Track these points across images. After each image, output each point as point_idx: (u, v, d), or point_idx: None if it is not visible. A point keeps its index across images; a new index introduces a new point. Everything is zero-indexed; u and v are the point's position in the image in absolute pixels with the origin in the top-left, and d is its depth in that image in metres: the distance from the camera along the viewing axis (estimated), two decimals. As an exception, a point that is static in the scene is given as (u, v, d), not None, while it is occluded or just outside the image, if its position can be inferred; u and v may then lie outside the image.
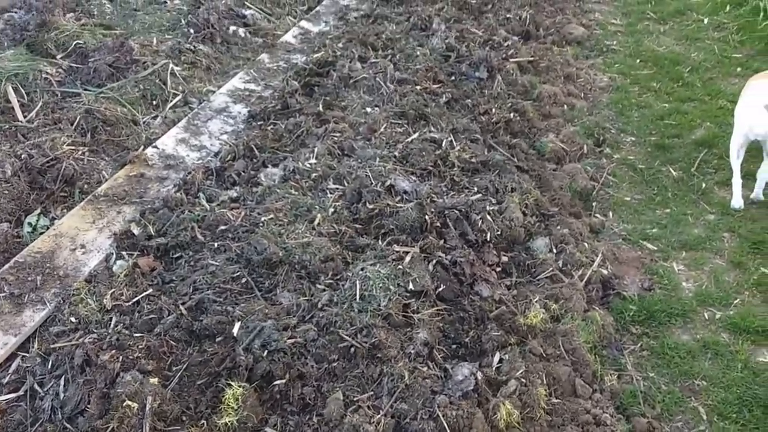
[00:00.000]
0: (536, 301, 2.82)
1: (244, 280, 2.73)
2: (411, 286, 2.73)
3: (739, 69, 4.74)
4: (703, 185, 3.69)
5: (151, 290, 2.75)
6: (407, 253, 2.91)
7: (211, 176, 3.51)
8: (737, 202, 3.50)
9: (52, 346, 2.51)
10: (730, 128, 4.04)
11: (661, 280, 3.07)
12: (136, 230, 3.12)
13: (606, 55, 5.06)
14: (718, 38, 5.16)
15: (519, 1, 5.62)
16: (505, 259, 3.15)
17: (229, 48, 4.77)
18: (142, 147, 3.70)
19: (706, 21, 5.41)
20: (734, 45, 5.05)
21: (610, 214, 3.56)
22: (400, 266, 2.80)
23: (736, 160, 3.54)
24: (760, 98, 3.39)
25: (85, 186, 3.41)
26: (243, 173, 3.51)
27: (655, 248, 3.28)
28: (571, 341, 2.63)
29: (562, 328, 2.69)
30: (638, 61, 4.95)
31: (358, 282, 2.69)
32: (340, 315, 2.54)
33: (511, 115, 4.18)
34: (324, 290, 2.70)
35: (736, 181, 3.52)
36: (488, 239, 3.17)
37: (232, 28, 4.89)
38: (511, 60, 4.76)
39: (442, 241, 3.07)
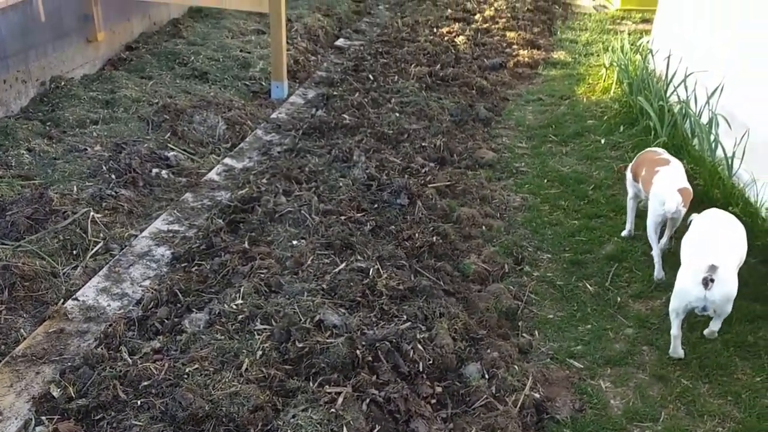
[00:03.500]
0: (473, 434, 2.81)
1: (169, 441, 2.61)
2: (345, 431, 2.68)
3: (638, 184, 5.13)
4: (618, 299, 3.88)
5: (69, 460, 2.59)
6: (339, 393, 2.87)
7: (133, 326, 3.41)
8: (659, 274, 4.04)
9: None
10: (636, 243, 4.35)
11: (591, 399, 3.13)
12: (55, 392, 2.98)
13: (516, 177, 5.37)
14: (615, 156, 5.59)
15: (432, 129, 5.95)
16: (439, 389, 3.16)
17: (152, 190, 4.79)
18: (61, 300, 3.59)
19: (603, 141, 5.86)
20: (630, 162, 5.47)
21: (536, 333, 3.66)
22: (332, 409, 2.76)
23: (654, 236, 4.07)
24: (673, 183, 3.99)
25: (2, 347, 3.27)
26: (166, 321, 3.44)
27: (582, 366, 3.38)
28: (510, 475, 2.62)
29: (500, 461, 2.68)
30: (546, 181, 5.28)
31: None
32: (272, 471, 2.45)
33: (434, 238, 4.32)
34: (255, 444, 2.61)
35: (656, 254, 4.05)
36: (421, 369, 3.18)
37: (155, 170, 4.93)
38: (430, 185, 4.98)
39: (374, 377, 3.06)
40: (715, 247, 3.40)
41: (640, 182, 4.28)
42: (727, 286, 3.25)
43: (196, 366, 2.99)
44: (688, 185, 4.05)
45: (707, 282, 3.19)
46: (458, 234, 4.49)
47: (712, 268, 3.17)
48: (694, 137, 5.34)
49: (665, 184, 4.00)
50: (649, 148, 4.66)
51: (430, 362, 3.21)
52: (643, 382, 3.23)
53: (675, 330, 3.39)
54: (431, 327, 3.41)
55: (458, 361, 3.31)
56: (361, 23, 9.65)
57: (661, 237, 4.13)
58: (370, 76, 7.25)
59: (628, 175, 4.48)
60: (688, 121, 5.49)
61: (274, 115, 6.39)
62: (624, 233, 4.48)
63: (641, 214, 4.34)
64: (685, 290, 3.30)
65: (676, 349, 3.42)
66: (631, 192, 4.47)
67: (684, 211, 3.93)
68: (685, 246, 3.62)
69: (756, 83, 4.89)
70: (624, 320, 3.71)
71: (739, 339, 3.52)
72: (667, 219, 4.02)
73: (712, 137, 5.05)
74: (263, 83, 6.93)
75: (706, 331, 3.52)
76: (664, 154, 4.39)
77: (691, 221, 3.83)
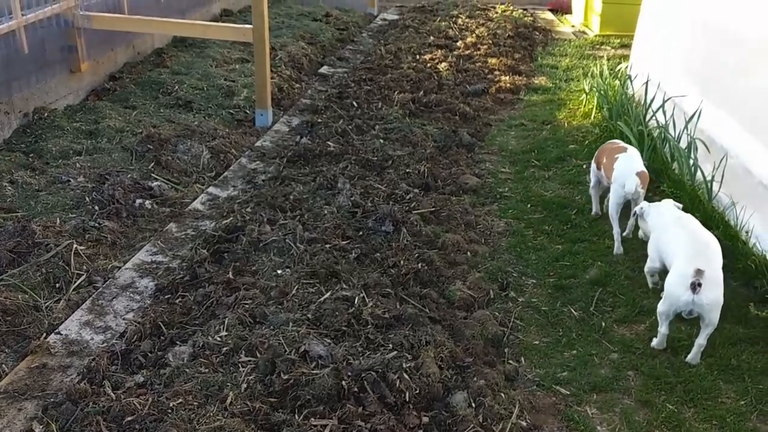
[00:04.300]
0: (460, 465, 2.79)
1: (153, 479, 2.57)
2: (331, 464, 2.66)
3: (619, 208, 5.19)
4: (603, 324, 3.90)
5: (50, 500, 2.54)
6: (325, 426, 2.85)
7: (116, 360, 3.38)
8: (618, 250, 4.56)
9: None
10: (619, 267, 4.40)
11: (578, 426, 3.13)
12: (38, 429, 2.95)
13: (500, 202, 5.40)
14: (597, 181, 5.65)
15: (416, 155, 5.99)
16: (425, 419, 3.13)
17: (136, 221, 4.76)
18: (44, 335, 3.55)
19: (584, 166, 5.91)
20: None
21: (522, 359, 3.66)
22: (319, 443, 2.74)
23: (615, 216, 4.57)
24: (632, 166, 4.51)
25: (-17, 383, 3.22)
26: (150, 354, 3.41)
27: (568, 392, 3.38)
28: (498, 505, 2.60)
29: (488, 492, 2.66)
30: (529, 205, 5.32)
31: (276, 466, 2.59)
32: (258, 508, 2.42)
33: (419, 265, 4.32)
34: (240, 480, 2.58)
35: (616, 233, 4.57)
36: (407, 399, 3.16)
37: (138, 200, 4.91)
38: (414, 212, 5.00)
39: (360, 408, 3.04)
40: (701, 251, 3.54)
41: (602, 170, 4.80)
42: (715, 289, 3.39)
43: (180, 400, 2.96)
44: (644, 169, 4.55)
45: (695, 286, 3.32)
46: (443, 260, 4.50)
47: (699, 273, 3.32)
48: (673, 161, 5.42)
49: (625, 169, 4.48)
50: (609, 141, 5.19)
51: (417, 392, 3.20)
52: (629, 408, 3.24)
53: (664, 329, 3.59)
54: (417, 356, 3.40)
55: (445, 390, 3.29)
56: (345, 51, 9.74)
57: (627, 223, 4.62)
58: (354, 104, 7.30)
59: (592, 164, 5.00)
60: (667, 145, 5.58)
61: (258, 143, 6.40)
62: (593, 213, 5.07)
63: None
64: (674, 296, 3.44)
65: (662, 344, 3.63)
66: (593, 181, 5.02)
67: (642, 192, 4.41)
68: (668, 246, 3.77)
69: (733, 108, 4.99)
70: (609, 345, 3.73)
71: (722, 362, 3.55)
72: (628, 200, 4.49)
73: (691, 161, 5.14)
74: (247, 111, 6.96)
75: (689, 357, 3.54)
76: (621, 144, 4.91)
77: (641, 210, 4.14)
